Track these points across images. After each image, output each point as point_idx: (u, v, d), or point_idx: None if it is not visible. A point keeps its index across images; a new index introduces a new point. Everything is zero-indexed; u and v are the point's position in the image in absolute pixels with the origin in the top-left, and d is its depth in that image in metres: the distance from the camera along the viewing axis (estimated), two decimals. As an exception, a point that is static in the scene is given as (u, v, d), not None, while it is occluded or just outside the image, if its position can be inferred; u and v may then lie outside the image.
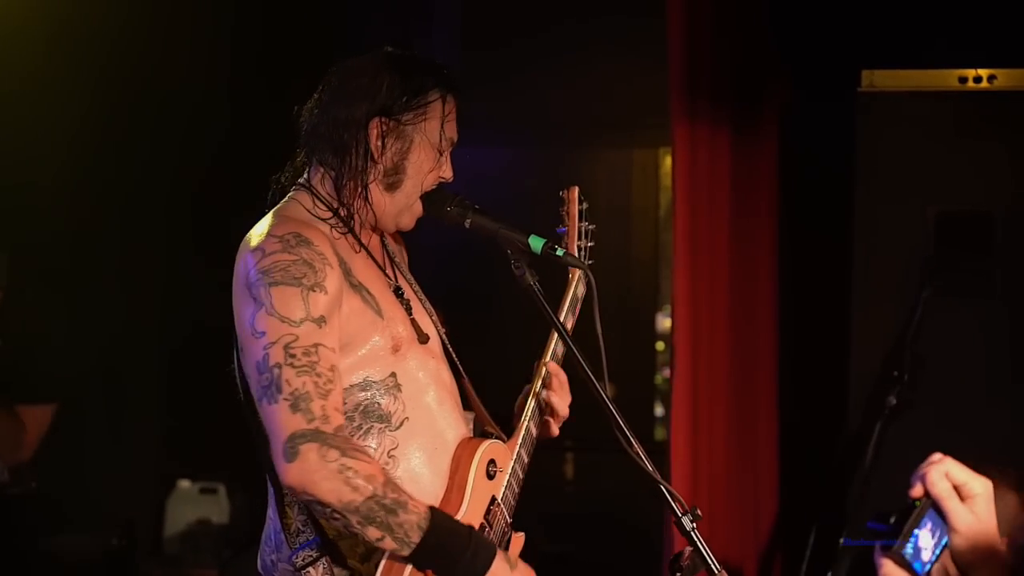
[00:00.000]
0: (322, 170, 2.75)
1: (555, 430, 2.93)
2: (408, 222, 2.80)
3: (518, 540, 2.85)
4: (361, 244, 2.75)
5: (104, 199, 5.54)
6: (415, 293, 2.88)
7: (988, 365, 4.14)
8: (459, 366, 2.89)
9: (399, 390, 2.67)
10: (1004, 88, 4.20)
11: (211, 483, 5.91)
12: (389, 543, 2.48)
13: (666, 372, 6.22)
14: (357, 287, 2.65)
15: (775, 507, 4.83)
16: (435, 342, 2.84)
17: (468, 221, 2.76)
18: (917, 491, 1.90)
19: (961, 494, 1.88)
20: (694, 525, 2.49)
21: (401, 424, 2.66)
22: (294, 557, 2.59)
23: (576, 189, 3.13)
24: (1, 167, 5.13)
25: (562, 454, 6.33)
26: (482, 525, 2.69)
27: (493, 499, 2.74)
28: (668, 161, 5.90)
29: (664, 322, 6.40)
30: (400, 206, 2.76)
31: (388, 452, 2.64)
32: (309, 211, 2.71)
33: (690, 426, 4.74)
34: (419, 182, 2.75)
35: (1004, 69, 4.21)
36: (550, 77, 5.89)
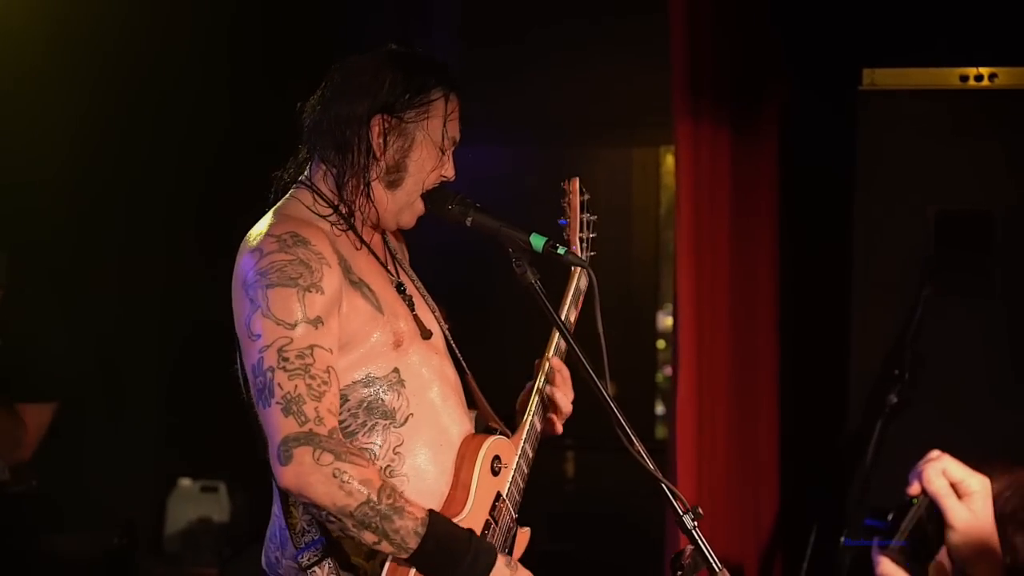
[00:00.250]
0: (324, 167, 2.75)
1: (559, 427, 2.94)
2: (409, 220, 2.80)
3: (524, 535, 2.85)
4: (362, 241, 2.75)
5: (104, 198, 5.53)
6: (417, 289, 2.88)
7: (988, 364, 4.14)
8: (462, 362, 2.90)
9: (402, 386, 2.67)
10: (1005, 87, 4.20)
11: (212, 481, 5.91)
12: (386, 547, 2.48)
13: (667, 370, 6.22)
14: (357, 284, 2.65)
15: (776, 506, 4.83)
16: (438, 338, 2.84)
17: (469, 219, 2.76)
18: (915, 489, 1.91)
19: (958, 491, 1.89)
20: (695, 523, 2.49)
21: (406, 420, 2.67)
22: (300, 557, 2.60)
23: (577, 180, 3.13)
24: (1, 167, 5.13)
25: (563, 452, 6.33)
26: (487, 522, 2.69)
27: (498, 495, 2.74)
28: (668, 160, 5.91)
29: (665, 320, 6.40)
30: (401, 204, 2.76)
31: (393, 449, 2.64)
32: (309, 208, 2.71)
33: (692, 424, 4.74)
34: (421, 180, 2.76)
35: (1005, 68, 4.21)
36: (550, 76, 5.89)
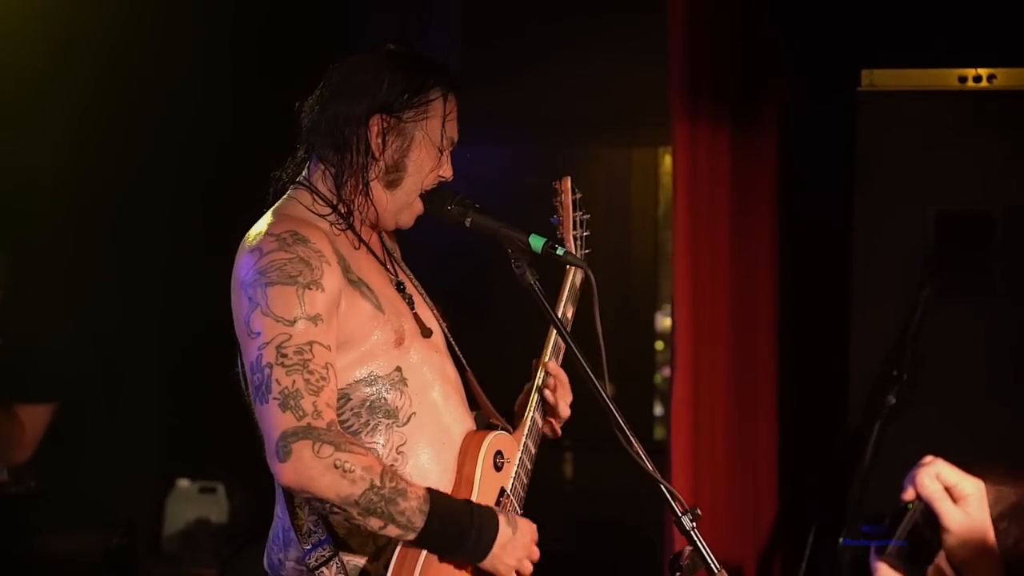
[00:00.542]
0: (322, 167, 2.74)
1: (557, 430, 2.94)
2: (408, 220, 2.80)
3: (529, 529, 2.85)
4: (361, 240, 2.75)
5: (104, 199, 5.53)
6: (416, 288, 2.88)
7: (988, 364, 4.15)
8: (462, 360, 2.90)
9: (405, 384, 2.67)
10: (1004, 87, 4.20)
11: (210, 482, 5.91)
12: (393, 531, 2.49)
13: (666, 371, 6.22)
14: (357, 283, 2.65)
15: (775, 506, 4.83)
16: (438, 336, 2.84)
17: (468, 220, 2.76)
18: (909, 494, 1.90)
19: (953, 495, 1.88)
20: (694, 524, 2.49)
21: (408, 419, 2.66)
22: (307, 558, 2.59)
23: (568, 179, 3.13)
24: (1, 167, 5.13)
25: (561, 453, 6.32)
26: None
27: (503, 491, 2.74)
28: (667, 160, 5.90)
29: (663, 321, 6.39)
30: (400, 204, 2.76)
31: (396, 448, 2.64)
32: (308, 208, 2.71)
33: (690, 425, 4.74)
34: (419, 180, 2.75)
35: (1004, 68, 4.21)
36: (549, 76, 5.89)
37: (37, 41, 5.14)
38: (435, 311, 2.89)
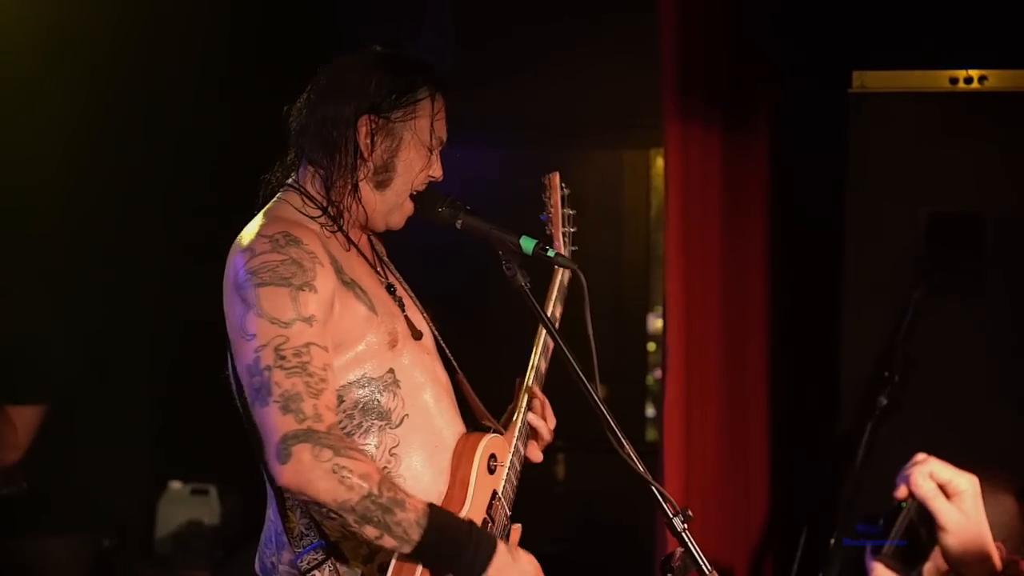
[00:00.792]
0: (312, 169, 2.75)
1: (539, 455, 2.94)
2: (398, 221, 2.80)
3: (516, 531, 2.86)
4: (351, 242, 2.75)
5: (95, 200, 5.52)
6: (405, 290, 2.88)
7: (979, 365, 4.15)
8: (453, 362, 2.90)
9: (397, 387, 2.67)
10: (994, 89, 4.20)
11: (202, 484, 5.90)
12: (388, 541, 2.48)
13: (657, 373, 6.22)
14: (349, 284, 2.65)
15: (766, 507, 4.83)
16: (428, 338, 2.85)
17: (459, 222, 2.76)
18: (902, 492, 1.90)
19: (947, 492, 1.88)
20: (685, 526, 2.49)
21: (401, 421, 2.66)
22: (299, 561, 2.59)
23: (557, 175, 3.13)
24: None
25: (553, 455, 6.33)
26: (485, 520, 2.70)
27: (494, 493, 2.75)
28: (659, 162, 5.92)
29: (655, 323, 6.40)
30: (390, 204, 2.76)
31: (389, 450, 2.64)
32: (299, 210, 2.71)
33: (682, 427, 4.74)
34: (409, 180, 2.76)
35: (994, 70, 4.21)
36: (541, 78, 5.89)
37: (33, 41, 5.13)
38: (424, 313, 2.89)
